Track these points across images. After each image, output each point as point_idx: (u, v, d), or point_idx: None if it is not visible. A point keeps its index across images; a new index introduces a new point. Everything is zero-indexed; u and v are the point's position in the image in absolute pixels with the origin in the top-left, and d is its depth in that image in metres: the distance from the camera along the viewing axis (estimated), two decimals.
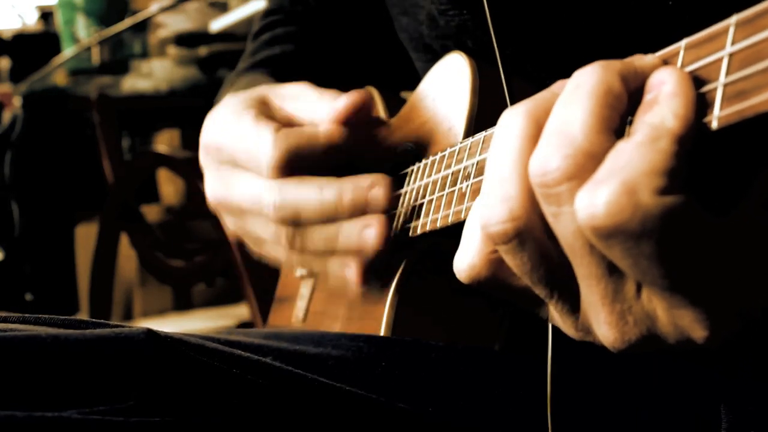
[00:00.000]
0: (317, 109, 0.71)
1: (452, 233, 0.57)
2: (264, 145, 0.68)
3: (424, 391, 0.64)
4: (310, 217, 0.68)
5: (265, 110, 0.72)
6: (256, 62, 0.92)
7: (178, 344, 0.54)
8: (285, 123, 0.71)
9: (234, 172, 0.72)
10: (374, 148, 0.72)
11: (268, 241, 0.72)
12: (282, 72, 0.89)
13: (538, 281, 0.43)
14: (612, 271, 0.41)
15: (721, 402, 0.60)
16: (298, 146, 0.68)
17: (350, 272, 0.68)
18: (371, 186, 0.67)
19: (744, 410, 0.58)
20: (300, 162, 0.68)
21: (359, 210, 0.67)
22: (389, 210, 0.68)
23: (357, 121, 0.70)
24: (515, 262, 0.43)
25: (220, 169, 0.74)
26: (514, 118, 0.44)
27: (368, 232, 0.66)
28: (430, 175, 0.68)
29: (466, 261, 0.46)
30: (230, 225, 0.76)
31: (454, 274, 0.65)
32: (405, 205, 0.72)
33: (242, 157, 0.70)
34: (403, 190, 0.74)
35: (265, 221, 0.70)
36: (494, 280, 0.46)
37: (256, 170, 0.69)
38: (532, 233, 0.42)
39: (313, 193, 0.67)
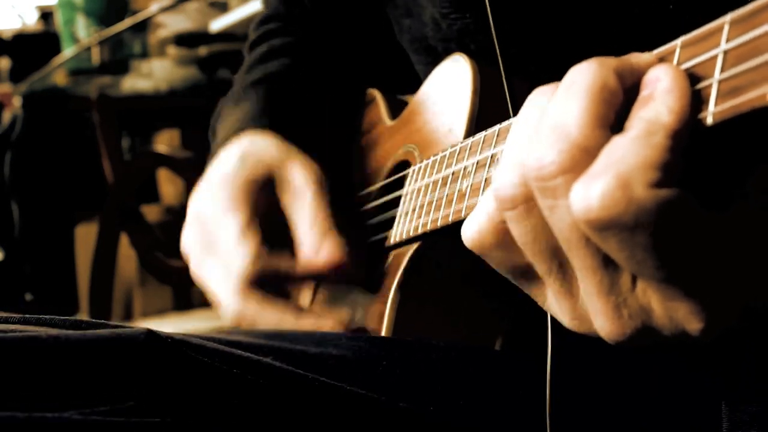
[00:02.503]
0: (310, 227, 0.77)
1: (453, 232, 0.57)
2: (240, 260, 0.75)
3: (425, 391, 0.64)
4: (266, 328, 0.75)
5: (264, 193, 0.79)
6: (255, 80, 0.93)
7: (178, 344, 0.54)
8: (277, 211, 0.78)
9: (211, 251, 0.78)
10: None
11: (224, 311, 0.78)
12: (279, 94, 0.91)
13: (538, 254, 0.44)
14: (607, 263, 0.41)
15: (721, 402, 0.60)
16: (270, 274, 0.75)
17: None
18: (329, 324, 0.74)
19: (745, 410, 0.58)
20: (268, 284, 0.75)
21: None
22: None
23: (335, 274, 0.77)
24: (519, 231, 0.44)
25: (202, 238, 0.80)
26: (539, 97, 0.45)
27: None
28: (430, 176, 0.68)
29: (475, 225, 0.47)
30: (193, 271, 0.82)
31: (454, 273, 0.65)
32: (405, 205, 0.72)
33: (221, 251, 0.77)
34: (403, 191, 0.74)
35: (224, 305, 0.77)
36: (498, 249, 0.46)
37: (227, 272, 0.76)
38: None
39: (273, 319, 0.75)
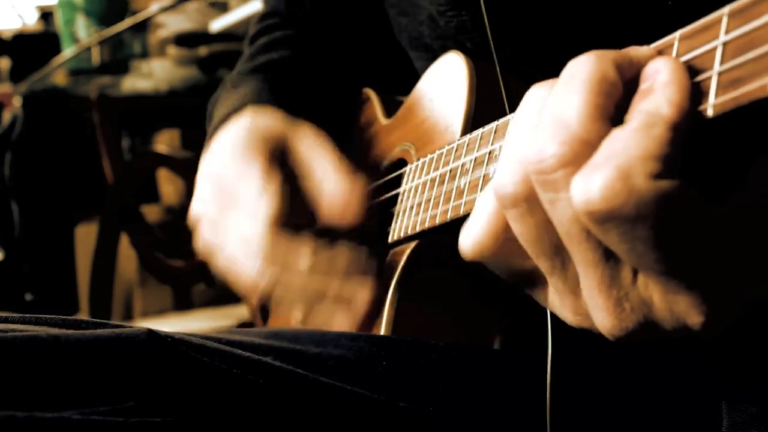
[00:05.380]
0: (328, 179, 0.75)
1: (450, 230, 0.57)
2: (266, 198, 0.72)
3: (425, 391, 0.64)
4: (297, 273, 0.72)
5: (276, 154, 0.76)
6: (255, 67, 0.92)
7: (178, 344, 0.54)
8: (291, 176, 0.75)
9: (232, 206, 0.75)
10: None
11: (246, 271, 0.75)
12: (281, 78, 0.90)
13: (542, 252, 0.44)
14: (608, 257, 0.41)
15: (721, 402, 0.60)
16: (299, 212, 0.73)
17: (338, 320, 0.73)
18: (359, 259, 0.72)
19: (745, 410, 0.58)
20: (296, 221, 0.73)
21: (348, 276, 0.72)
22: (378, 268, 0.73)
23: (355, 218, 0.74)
24: (522, 229, 0.44)
25: (219, 196, 0.77)
26: (537, 93, 0.45)
27: (359, 296, 0.71)
28: (427, 174, 0.68)
29: (473, 235, 0.47)
30: (206, 239, 0.79)
31: (453, 272, 0.65)
32: (403, 203, 0.72)
33: (244, 200, 0.74)
34: (401, 189, 0.74)
35: (250, 257, 0.74)
36: (498, 257, 0.46)
37: (253, 216, 0.73)
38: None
39: (305, 255, 0.72)
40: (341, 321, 0.71)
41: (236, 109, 0.83)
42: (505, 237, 0.45)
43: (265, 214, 0.72)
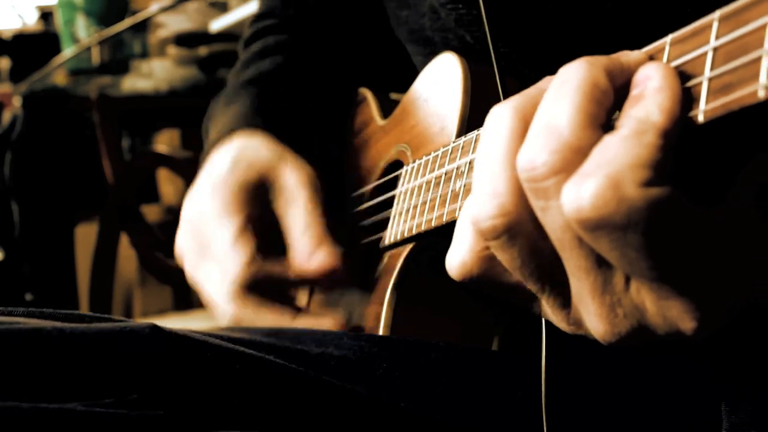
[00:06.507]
0: (303, 233, 0.78)
1: (448, 232, 0.58)
2: (235, 264, 0.76)
3: (426, 391, 0.65)
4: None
5: (254, 209, 0.79)
6: (248, 80, 0.93)
7: (181, 339, 0.54)
8: (267, 227, 0.79)
9: (205, 257, 0.80)
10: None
11: (220, 316, 0.80)
12: (271, 92, 0.92)
13: (529, 276, 0.44)
14: (600, 263, 0.41)
15: (721, 402, 0.60)
16: (265, 279, 0.76)
17: None
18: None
19: (744, 410, 0.58)
20: (263, 288, 0.76)
21: None
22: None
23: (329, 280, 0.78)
24: (506, 258, 0.44)
25: (197, 241, 0.81)
26: (501, 114, 0.44)
27: None
28: (423, 176, 0.68)
29: (458, 258, 0.47)
30: (188, 273, 0.84)
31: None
32: (399, 206, 0.72)
33: (215, 255, 0.78)
34: (397, 191, 0.74)
35: (220, 310, 0.78)
36: (486, 277, 0.47)
37: (223, 276, 0.77)
38: (523, 228, 0.42)
39: (270, 322, 0.76)
40: None
41: (226, 133, 0.85)
42: (488, 257, 0.46)
43: (233, 277, 0.76)
